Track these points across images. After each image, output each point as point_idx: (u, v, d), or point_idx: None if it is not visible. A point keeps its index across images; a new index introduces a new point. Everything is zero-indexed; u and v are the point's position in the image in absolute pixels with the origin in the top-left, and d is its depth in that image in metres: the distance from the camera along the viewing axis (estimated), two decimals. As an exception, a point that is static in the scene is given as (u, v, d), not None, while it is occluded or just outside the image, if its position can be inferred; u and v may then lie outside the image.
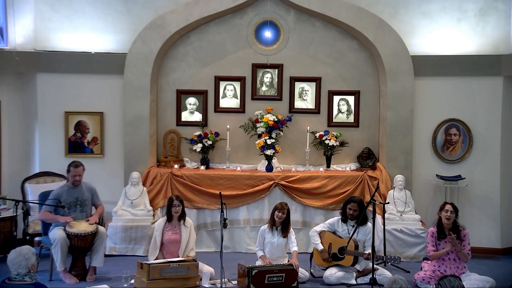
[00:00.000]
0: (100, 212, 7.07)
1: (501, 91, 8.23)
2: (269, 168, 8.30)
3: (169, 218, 6.86)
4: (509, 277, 7.02)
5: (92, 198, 7.03)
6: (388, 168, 8.22)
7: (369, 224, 6.76)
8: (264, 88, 8.71)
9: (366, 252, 6.54)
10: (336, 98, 8.67)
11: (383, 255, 7.12)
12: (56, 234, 6.58)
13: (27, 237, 7.78)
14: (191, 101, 8.73)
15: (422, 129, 8.38)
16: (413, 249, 7.66)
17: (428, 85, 8.35)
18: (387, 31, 8.18)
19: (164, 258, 6.63)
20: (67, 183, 6.93)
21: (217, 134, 8.55)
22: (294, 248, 6.72)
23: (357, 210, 6.77)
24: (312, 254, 6.98)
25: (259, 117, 8.43)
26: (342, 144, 8.50)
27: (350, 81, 8.64)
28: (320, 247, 6.77)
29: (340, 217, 6.94)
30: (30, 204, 7.80)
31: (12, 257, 4.64)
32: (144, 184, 8.14)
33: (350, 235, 6.60)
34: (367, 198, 7.80)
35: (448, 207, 6.52)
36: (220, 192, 6.71)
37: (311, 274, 6.88)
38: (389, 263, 6.73)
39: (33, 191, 7.88)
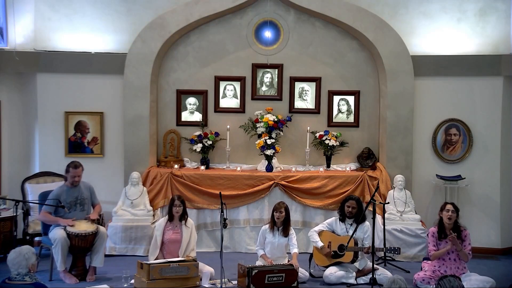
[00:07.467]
0: (98, 211, 7.09)
1: (501, 91, 8.23)
2: (269, 168, 8.30)
3: (170, 218, 6.87)
4: (509, 277, 7.03)
5: (91, 197, 7.04)
6: (388, 168, 8.22)
7: (367, 222, 6.79)
8: (264, 88, 8.71)
9: (366, 246, 6.56)
10: (336, 98, 8.67)
11: (382, 247, 7.13)
12: (57, 234, 6.58)
13: (27, 237, 7.78)
14: (191, 101, 8.73)
15: (422, 129, 8.38)
16: (413, 249, 7.65)
17: (428, 85, 8.35)
18: (387, 31, 8.19)
19: (164, 258, 6.64)
20: (66, 183, 6.93)
21: (217, 134, 8.55)
22: (295, 250, 6.73)
23: (356, 208, 6.80)
24: (312, 254, 6.98)
25: (259, 117, 8.43)
26: (342, 144, 8.50)
27: (350, 81, 8.64)
28: (320, 244, 6.78)
29: (337, 217, 6.96)
30: (30, 204, 7.79)
31: (12, 257, 4.64)
32: (144, 184, 8.14)
33: (351, 234, 6.60)
34: (367, 198, 7.81)
35: (449, 207, 6.52)
36: (220, 192, 6.71)
37: (311, 274, 6.88)
38: (389, 253, 6.76)
39: (33, 191, 7.88)
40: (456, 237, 6.36)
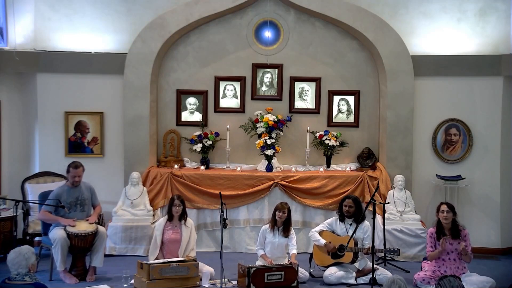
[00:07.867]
0: (98, 212, 7.09)
1: (501, 91, 8.23)
2: (269, 168, 8.30)
3: (170, 218, 6.87)
4: (509, 277, 7.03)
5: (91, 198, 7.04)
6: (388, 168, 8.22)
7: (366, 222, 6.80)
8: (264, 88, 8.71)
9: (366, 247, 6.56)
10: (336, 98, 8.67)
11: (382, 248, 7.14)
12: (56, 234, 6.58)
13: (27, 237, 7.78)
14: (191, 101, 8.73)
15: (422, 129, 8.38)
16: (413, 249, 7.65)
17: (428, 85, 8.34)
18: (387, 31, 8.19)
19: (164, 258, 6.64)
20: (67, 183, 6.94)
21: (217, 134, 8.55)
22: (294, 251, 6.73)
23: (353, 206, 6.81)
24: (311, 254, 6.98)
25: (259, 117, 8.43)
26: (342, 144, 8.50)
27: (350, 81, 8.64)
28: (323, 241, 6.77)
29: (337, 217, 6.97)
30: (30, 204, 7.80)
31: (11, 257, 4.64)
32: (144, 184, 8.14)
33: (351, 235, 6.60)
34: (367, 198, 7.81)
35: (443, 207, 6.52)
36: (220, 192, 6.71)
37: (311, 274, 6.88)
38: (388, 255, 6.75)
39: (33, 191, 7.88)
40: (465, 247, 6.37)
